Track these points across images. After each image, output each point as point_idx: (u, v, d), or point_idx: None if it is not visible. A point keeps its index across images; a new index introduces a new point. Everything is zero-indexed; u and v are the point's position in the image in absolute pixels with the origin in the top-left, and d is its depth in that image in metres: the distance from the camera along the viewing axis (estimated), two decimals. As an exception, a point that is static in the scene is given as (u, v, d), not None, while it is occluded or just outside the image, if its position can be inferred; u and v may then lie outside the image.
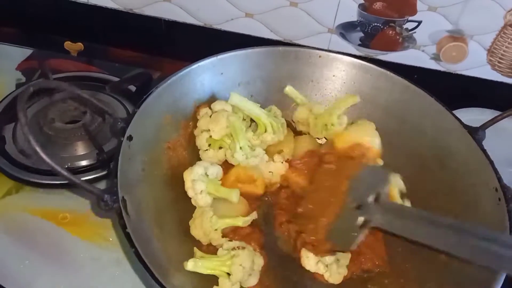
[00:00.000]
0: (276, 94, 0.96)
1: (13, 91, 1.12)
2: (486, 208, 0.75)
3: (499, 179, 0.75)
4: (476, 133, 0.81)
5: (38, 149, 0.60)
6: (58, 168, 0.60)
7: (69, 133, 1.05)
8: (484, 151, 0.79)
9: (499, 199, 0.73)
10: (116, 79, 1.19)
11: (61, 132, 1.05)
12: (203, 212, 0.76)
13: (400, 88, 0.90)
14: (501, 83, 1.17)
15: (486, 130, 0.80)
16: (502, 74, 1.16)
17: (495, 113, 1.07)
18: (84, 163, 1.02)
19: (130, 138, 0.74)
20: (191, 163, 0.83)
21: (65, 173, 0.62)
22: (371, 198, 0.68)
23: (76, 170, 1.00)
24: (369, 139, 0.84)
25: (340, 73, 0.95)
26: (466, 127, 0.82)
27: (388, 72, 0.91)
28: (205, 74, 0.88)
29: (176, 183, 0.82)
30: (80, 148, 1.05)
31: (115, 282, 0.82)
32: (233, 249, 0.72)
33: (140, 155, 0.76)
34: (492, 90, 1.17)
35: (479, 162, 0.79)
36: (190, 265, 0.70)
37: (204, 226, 0.74)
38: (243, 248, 0.73)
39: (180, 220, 0.79)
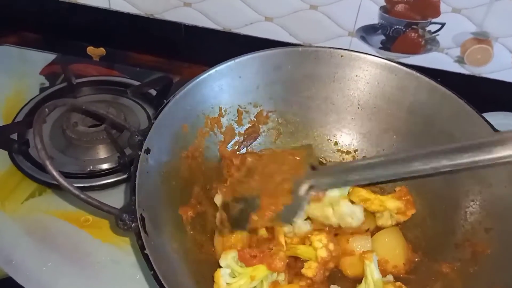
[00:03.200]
0: (297, 97, 0.89)
1: (36, 95, 1.10)
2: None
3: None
4: (506, 138, 0.73)
5: (55, 173, 0.57)
6: (77, 192, 0.57)
7: (91, 137, 1.02)
8: (514, 157, 0.71)
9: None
10: (137, 83, 1.15)
11: (83, 136, 1.02)
12: None
13: (427, 89, 0.82)
14: None
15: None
16: None
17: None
18: (105, 166, 0.99)
19: (147, 151, 0.69)
20: (210, 172, 0.78)
21: (80, 194, 0.59)
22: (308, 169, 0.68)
23: (97, 173, 0.97)
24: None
25: (363, 73, 0.87)
26: (495, 129, 0.74)
27: (414, 72, 0.83)
28: (223, 79, 0.82)
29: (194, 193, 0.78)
30: (102, 152, 1.02)
31: (135, 285, 0.80)
32: None
33: (158, 168, 0.71)
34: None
35: (510, 169, 0.71)
36: None
37: None
38: None
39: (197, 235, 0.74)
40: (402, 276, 0.74)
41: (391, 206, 0.77)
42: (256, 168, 0.75)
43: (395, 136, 0.88)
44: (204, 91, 0.80)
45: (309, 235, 0.71)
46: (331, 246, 0.70)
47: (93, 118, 1.05)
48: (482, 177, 0.75)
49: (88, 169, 0.98)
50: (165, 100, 0.76)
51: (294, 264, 0.73)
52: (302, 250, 0.71)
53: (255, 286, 0.67)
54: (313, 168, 0.69)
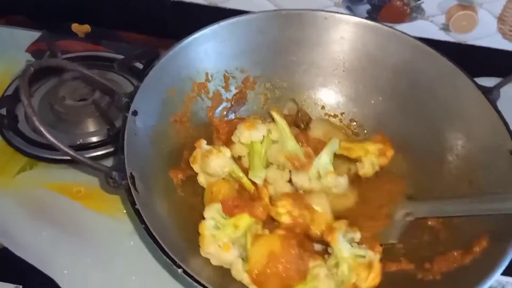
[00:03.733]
0: (283, 61, 0.90)
1: (23, 71, 1.09)
2: (500, 171, 0.70)
3: (514, 141, 0.69)
4: (490, 93, 0.74)
5: (42, 128, 0.57)
6: (62, 146, 0.57)
7: (79, 111, 1.02)
8: (498, 112, 0.73)
9: (515, 162, 0.67)
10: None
11: (71, 110, 1.02)
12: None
13: (411, 48, 0.83)
14: None
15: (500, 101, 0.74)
16: None
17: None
18: (95, 139, 0.99)
19: (135, 113, 0.70)
20: (199, 136, 0.78)
21: (69, 151, 0.59)
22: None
23: (87, 146, 0.97)
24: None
25: (347, 35, 0.87)
26: (480, 87, 0.76)
27: (398, 32, 0.84)
28: (208, 43, 0.82)
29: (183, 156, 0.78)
30: (91, 125, 1.02)
31: (131, 252, 0.81)
32: None
33: (146, 130, 0.72)
34: (504, 59, 1.08)
35: (493, 124, 0.73)
36: None
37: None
38: None
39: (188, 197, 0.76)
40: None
41: (372, 148, 0.79)
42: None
43: (380, 98, 0.89)
44: (189, 55, 0.80)
45: (275, 200, 0.72)
46: (296, 212, 0.70)
47: (81, 80, 1.04)
48: (466, 131, 0.77)
49: (78, 143, 0.98)
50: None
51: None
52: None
53: (241, 239, 0.68)
54: (410, 198, 0.75)
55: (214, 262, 0.66)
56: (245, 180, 0.74)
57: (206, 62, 0.84)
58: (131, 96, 0.70)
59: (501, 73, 0.98)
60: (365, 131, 0.89)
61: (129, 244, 0.82)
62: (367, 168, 0.80)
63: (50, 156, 0.94)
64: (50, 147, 0.95)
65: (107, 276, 0.78)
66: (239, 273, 0.64)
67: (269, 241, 0.66)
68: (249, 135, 0.74)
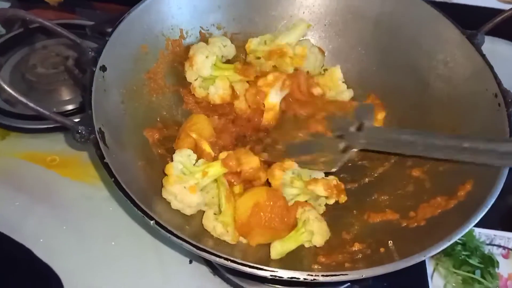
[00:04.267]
0: (262, 16, 0.86)
1: (-7, 43, 1.05)
2: (485, 116, 0.68)
3: (499, 84, 0.67)
4: (474, 37, 0.72)
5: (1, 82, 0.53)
6: (22, 98, 0.53)
7: (52, 79, 0.99)
8: (483, 56, 0.71)
9: (499, 105, 0.66)
10: (99, 25, 1.10)
11: (44, 78, 0.99)
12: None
13: (393, -3, 0.80)
14: (498, 9, 1.05)
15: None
16: (498, 0, 1.04)
17: (494, 39, 0.98)
18: (70, 107, 0.96)
19: (103, 68, 0.66)
20: (175, 96, 0.76)
21: (32, 105, 0.56)
22: (353, 128, 0.68)
23: (62, 114, 0.93)
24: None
25: (328, -14, 0.84)
26: (464, 32, 0.73)
27: (379, -18, 0.81)
28: (182, -4, 0.78)
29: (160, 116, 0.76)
30: (65, 93, 0.99)
31: (109, 217, 0.79)
32: None
33: (117, 87, 0.69)
34: (491, 17, 1.05)
35: (478, 68, 0.71)
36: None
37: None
38: None
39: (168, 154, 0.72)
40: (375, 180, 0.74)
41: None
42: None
43: (363, 51, 0.86)
44: (162, 9, 0.77)
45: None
46: None
47: (44, 33, 1.02)
48: (450, 77, 0.75)
49: (52, 111, 0.94)
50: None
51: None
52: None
53: (209, 189, 0.66)
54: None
55: (174, 205, 0.63)
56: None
57: (180, 18, 0.80)
58: (99, 50, 0.66)
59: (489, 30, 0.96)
60: (349, 85, 0.86)
61: (107, 210, 0.80)
62: None
63: (23, 126, 0.92)
64: (23, 117, 0.92)
65: (85, 243, 0.76)
66: (210, 222, 0.62)
67: (255, 193, 0.65)
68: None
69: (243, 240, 0.64)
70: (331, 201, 0.68)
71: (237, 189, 0.69)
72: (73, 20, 1.14)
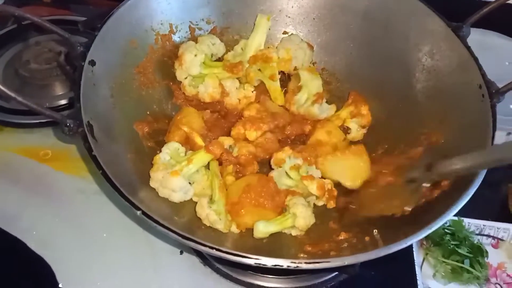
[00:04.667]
0: (251, 11, 0.87)
1: (-14, 39, 1.05)
2: (470, 107, 0.69)
3: (483, 75, 0.68)
4: (460, 30, 0.73)
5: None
6: (9, 93, 0.54)
7: (45, 74, 0.99)
8: (468, 48, 0.71)
9: (483, 96, 0.66)
10: (91, 21, 1.11)
11: (37, 73, 0.99)
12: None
13: (380, -10, 0.80)
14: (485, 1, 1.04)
15: (475, 48, 0.71)
16: None
17: (482, 31, 0.98)
18: (63, 102, 0.97)
19: (92, 63, 0.67)
20: (165, 90, 0.77)
21: (21, 99, 0.56)
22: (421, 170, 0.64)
23: (55, 109, 0.95)
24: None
25: (315, -21, 0.84)
26: (449, 25, 0.74)
27: (367, -26, 0.81)
28: (171, -9, 0.78)
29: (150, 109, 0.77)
30: (58, 88, 1.00)
31: (101, 210, 0.79)
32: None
33: (106, 81, 0.70)
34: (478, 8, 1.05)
35: (463, 60, 0.72)
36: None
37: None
38: None
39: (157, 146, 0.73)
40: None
41: (344, 114, 0.81)
42: None
43: (352, 44, 0.87)
44: (151, 4, 0.78)
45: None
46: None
47: (35, 30, 1.03)
48: (436, 70, 0.75)
49: (45, 106, 0.95)
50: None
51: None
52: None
53: (196, 177, 0.68)
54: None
55: (161, 192, 0.65)
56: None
57: (170, 13, 0.81)
58: (87, 45, 0.67)
59: (476, 22, 0.96)
60: (338, 78, 0.87)
61: (99, 203, 0.81)
62: (354, 133, 0.81)
63: (16, 121, 0.92)
64: (15, 111, 0.93)
65: (77, 235, 0.76)
66: (204, 210, 0.64)
67: (247, 178, 0.68)
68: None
69: (234, 230, 0.65)
70: (320, 203, 0.69)
71: (229, 179, 0.70)
72: (66, 16, 1.14)
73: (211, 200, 0.64)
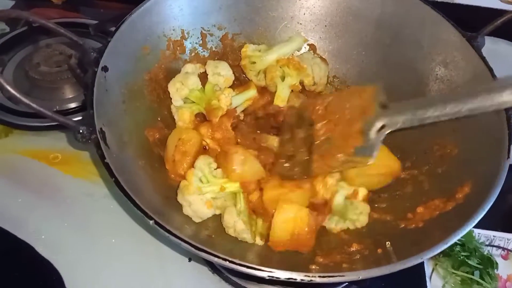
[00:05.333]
0: (262, 17, 0.86)
1: (-4, 40, 1.05)
2: (485, 118, 0.67)
3: (499, 87, 0.66)
4: (475, 40, 0.72)
5: (2, 81, 0.53)
6: (23, 98, 0.54)
7: (55, 76, 0.99)
8: (483, 58, 0.70)
9: (499, 108, 0.65)
10: (102, 24, 1.10)
11: (47, 76, 0.99)
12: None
13: (394, -1, 0.79)
14: (500, 10, 1.04)
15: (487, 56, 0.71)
16: (501, 1, 1.04)
17: (496, 40, 0.97)
18: (73, 105, 0.97)
19: (105, 68, 0.66)
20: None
21: (35, 105, 0.56)
22: (378, 107, 0.63)
23: (64, 112, 0.95)
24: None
25: (327, -13, 0.84)
26: (464, 34, 0.73)
27: (380, -18, 0.80)
28: (183, -2, 0.78)
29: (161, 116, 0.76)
30: (68, 91, 1.00)
31: (110, 215, 0.79)
32: None
33: (118, 87, 0.69)
34: (493, 18, 1.04)
35: (478, 71, 0.71)
36: None
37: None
38: None
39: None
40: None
41: None
42: (313, 111, 0.70)
43: (364, 52, 0.86)
44: (163, 11, 0.77)
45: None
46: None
47: (44, 34, 1.02)
48: (450, 80, 0.74)
49: (55, 109, 0.96)
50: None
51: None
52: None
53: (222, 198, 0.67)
54: (383, 106, 0.64)
55: (186, 211, 0.65)
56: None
57: (182, 19, 0.80)
58: (101, 51, 0.66)
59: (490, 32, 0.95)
60: (349, 86, 0.86)
61: (108, 208, 0.81)
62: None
63: (26, 123, 0.92)
64: (26, 114, 0.93)
65: (86, 240, 0.76)
66: (232, 217, 0.64)
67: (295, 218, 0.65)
68: None
69: (249, 240, 0.65)
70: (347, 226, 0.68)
71: (254, 196, 0.69)
72: (76, 19, 1.14)
73: (238, 210, 0.64)
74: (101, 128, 0.60)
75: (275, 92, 0.81)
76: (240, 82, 0.84)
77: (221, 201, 0.67)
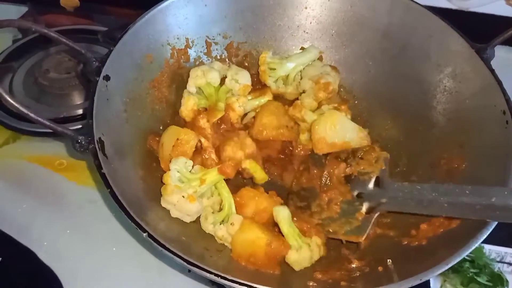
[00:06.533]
0: (268, 26, 0.85)
1: (9, 46, 1.08)
2: (493, 132, 0.65)
3: (507, 101, 0.64)
4: (484, 52, 0.69)
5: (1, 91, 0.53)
6: (22, 108, 0.54)
7: (64, 83, 1.00)
8: (492, 71, 0.68)
9: (507, 122, 0.63)
10: (112, 31, 1.11)
11: (55, 83, 1.00)
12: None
13: (401, 8, 0.78)
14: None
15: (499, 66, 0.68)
16: None
17: (509, 49, 0.94)
18: (80, 111, 0.97)
19: (107, 78, 0.66)
20: (176, 103, 0.76)
21: (32, 115, 0.55)
22: (371, 184, 0.66)
23: (72, 118, 0.95)
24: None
25: (334, -5, 0.82)
26: (473, 46, 0.71)
27: (388, -9, 0.78)
28: (188, 6, 0.78)
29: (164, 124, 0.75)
30: (77, 98, 1.00)
31: (112, 223, 0.79)
32: None
33: (120, 96, 0.69)
34: (507, 27, 1.01)
35: (486, 83, 0.68)
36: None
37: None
38: None
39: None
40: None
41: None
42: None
43: (370, 62, 0.84)
44: (168, 19, 0.77)
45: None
46: None
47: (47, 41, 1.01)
48: (458, 91, 0.72)
49: (62, 115, 0.96)
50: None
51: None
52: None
53: (206, 194, 0.67)
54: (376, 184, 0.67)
55: (174, 213, 0.64)
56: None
57: (186, 28, 0.80)
58: (103, 60, 0.66)
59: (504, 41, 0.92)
60: (355, 96, 0.85)
61: (111, 216, 0.80)
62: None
63: (33, 129, 0.92)
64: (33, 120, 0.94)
65: (87, 248, 0.76)
66: (208, 226, 0.63)
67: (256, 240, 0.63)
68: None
69: None
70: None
71: None
72: (88, 25, 1.15)
73: (220, 215, 0.63)
74: (99, 138, 0.60)
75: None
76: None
77: (210, 203, 0.67)
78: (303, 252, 0.61)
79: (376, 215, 0.63)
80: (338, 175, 0.68)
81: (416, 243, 0.60)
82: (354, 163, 0.69)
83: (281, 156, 0.78)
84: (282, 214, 0.63)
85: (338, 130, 0.72)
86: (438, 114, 0.74)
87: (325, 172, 0.69)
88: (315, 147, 0.73)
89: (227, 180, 0.68)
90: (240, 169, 0.69)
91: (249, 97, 0.80)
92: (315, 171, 0.71)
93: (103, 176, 0.55)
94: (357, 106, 0.84)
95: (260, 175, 0.71)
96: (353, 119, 0.79)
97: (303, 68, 0.83)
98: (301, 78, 0.83)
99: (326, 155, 0.73)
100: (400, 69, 0.80)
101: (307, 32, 0.87)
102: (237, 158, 0.70)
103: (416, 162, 0.73)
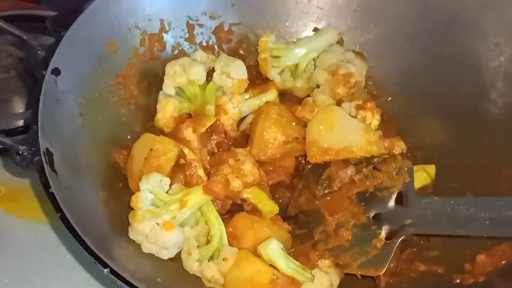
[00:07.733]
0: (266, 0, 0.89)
1: None
2: None
3: None
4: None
5: None
6: None
7: (1, 85, 1.03)
8: None
9: None
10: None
11: (-9, 85, 1.03)
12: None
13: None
14: None
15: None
16: None
17: None
18: (21, 122, 1.00)
19: (56, 71, 0.70)
20: (149, 105, 0.80)
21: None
22: (391, 202, 0.69)
23: (11, 131, 0.97)
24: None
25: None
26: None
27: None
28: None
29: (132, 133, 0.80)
30: (17, 104, 1.03)
31: (66, 267, 0.82)
32: None
33: (73, 95, 0.73)
34: None
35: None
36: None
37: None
38: None
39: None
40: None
41: None
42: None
43: (407, 45, 0.88)
44: (136, -3, 0.80)
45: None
46: None
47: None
48: None
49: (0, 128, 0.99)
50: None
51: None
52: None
53: (190, 221, 0.69)
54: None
55: (146, 248, 0.66)
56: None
57: (161, 5, 0.84)
58: (51, 49, 0.70)
59: None
60: (388, 91, 0.88)
61: (64, 258, 0.83)
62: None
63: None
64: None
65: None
66: (193, 264, 0.66)
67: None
68: None
69: None
70: None
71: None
72: (32, 10, 1.19)
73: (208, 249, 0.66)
74: (47, 149, 0.63)
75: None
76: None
77: (185, 216, 0.69)
78: (319, 280, 0.63)
79: (399, 240, 0.65)
80: (343, 180, 0.70)
81: (472, 280, 0.62)
82: (369, 175, 0.72)
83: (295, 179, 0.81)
84: (271, 248, 0.64)
85: (336, 131, 0.73)
86: (498, 110, 0.76)
87: (324, 175, 0.72)
88: (307, 153, 0.75)
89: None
90: (239, 200, 0.72)
91: (247, 96, 0.83)
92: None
93: (51, 196, 0.59)
94: (391, 103, 0.87)
95: (267, 207, 0.73)
96: (385, 121, 0.83)
97: (317, 56, 0.86)
98: (314, 69, 0.86)
99: None
100: (447, 53, 0.83)
101: (321, 8, 0.91)
102: (234, 190, 0.72)
103: (471, 174, 0.75)
